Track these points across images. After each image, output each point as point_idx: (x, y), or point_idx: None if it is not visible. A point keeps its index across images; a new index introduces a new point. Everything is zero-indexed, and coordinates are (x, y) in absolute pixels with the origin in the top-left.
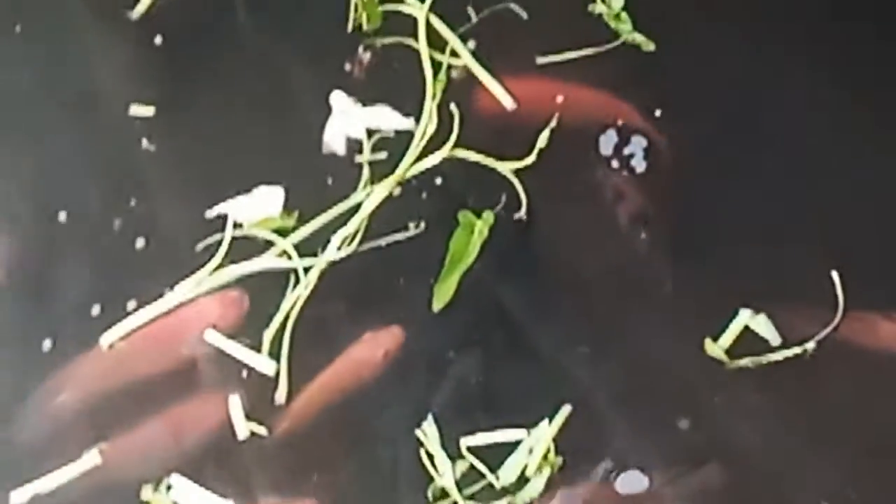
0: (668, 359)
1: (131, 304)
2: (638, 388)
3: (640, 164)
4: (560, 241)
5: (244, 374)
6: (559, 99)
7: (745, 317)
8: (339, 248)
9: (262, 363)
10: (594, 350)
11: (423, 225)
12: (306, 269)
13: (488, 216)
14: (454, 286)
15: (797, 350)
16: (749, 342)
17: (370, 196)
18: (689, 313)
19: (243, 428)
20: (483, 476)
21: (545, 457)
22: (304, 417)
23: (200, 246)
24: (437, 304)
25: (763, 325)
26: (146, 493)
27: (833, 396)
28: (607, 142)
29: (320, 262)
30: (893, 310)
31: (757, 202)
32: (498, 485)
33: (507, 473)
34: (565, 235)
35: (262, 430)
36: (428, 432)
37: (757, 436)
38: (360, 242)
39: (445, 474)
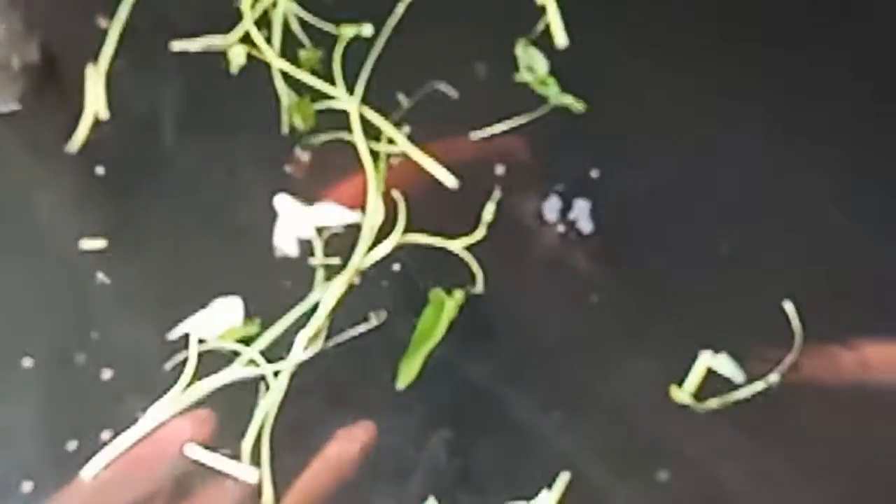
0: (638, 412)
1: (106, 434)
2: (614, 445)
3: (586, 226)
4: (518, 312)
5: (226, 485)
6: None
7: (706, 359)
8: (304, 349)
9: (245, 472)
10: (566, 415)
11: (384, 314)
12: (275, 374)
13: (458, 294)
14: (420, 364)
15: (762, 385)
16: (714, 384)
17: (327, 293)
18: (651, 364)
19: None
20: None
21: None
22: None
23: (168, 366)
24: (403, 382)
25: (725, 365)
26: None
27: (806, 430)
28: (551, 208)
29: (288, 366)
30: (851, 338)
31: (704, 245)
32: None
33: None
34: (522, 305)
35: None
36: None
37: (738, 477)
38: (325, 340)
39: None
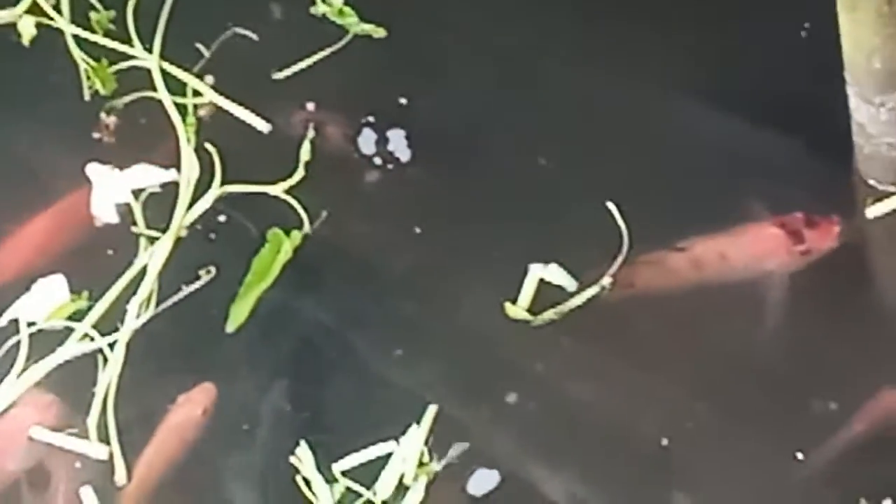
0: (480, 337)
1: None
2: (459, 375)
3: (403, 155)
4: (348, 251)
5: (77, 465)
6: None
7: (537, 271)
8: (137, 317)
9: (94, 449)
10: (408, 351)
11: (213, 270)
12: (111, 346)
13: (296, 235)
14: (251, 306)
15: (595, 289)
16: (551, 297)
17: (153, 257)
18: (486, 286)
19: None
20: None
21: (420, 463)
22: (145, 494)
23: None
24: (232, 325)
25: (556, 274)
26: None
27: (647, 337)
28: (366, 141)
29: (122, 336)
30: (680, 240)
31: (523, 161)
32: (377, 500)
33: (384, 488)
34: (351, 243)
35: None
36: (303, 458)
37: (585, 390)
38: (157, 304)
39: (323, 499)
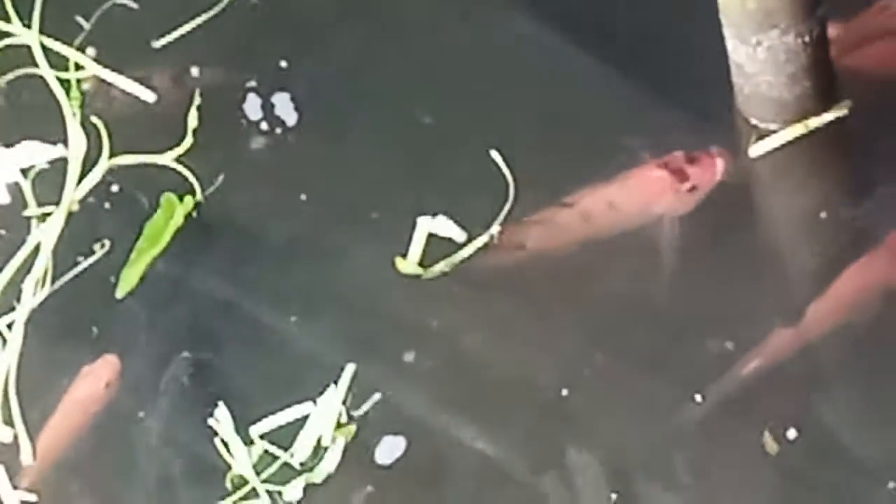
0: (375, 296)
1: None
2: (358, 335)
3: (289, 118)
4: (239, 218)
5: None
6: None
7: (425, 224)
8: (33, 295)
9: None
10: (304, 315)
11: (108, 243)
12: (9, 327)
13: (189, 200)
14: (141, 271)
15: (484, 239)
16: (443, 251)
17: (46, 233)
18: (376, 245)
19: (11, 499)
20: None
21: (338, 425)
22: (51, 465)
23: None
24: (122, 291)
25: (444, 226)
26: None
27: (539, 287)
28: (252, 106)
29: (20, 315)
30: (567, 194)
31: (405, 115)
32: (294, 462)
33: (302, 449)
34: (241, 210)
35: (31, 497)
36: (221, 419)
37: (482, 345)
38: (53, 281)
39: (241, 460)
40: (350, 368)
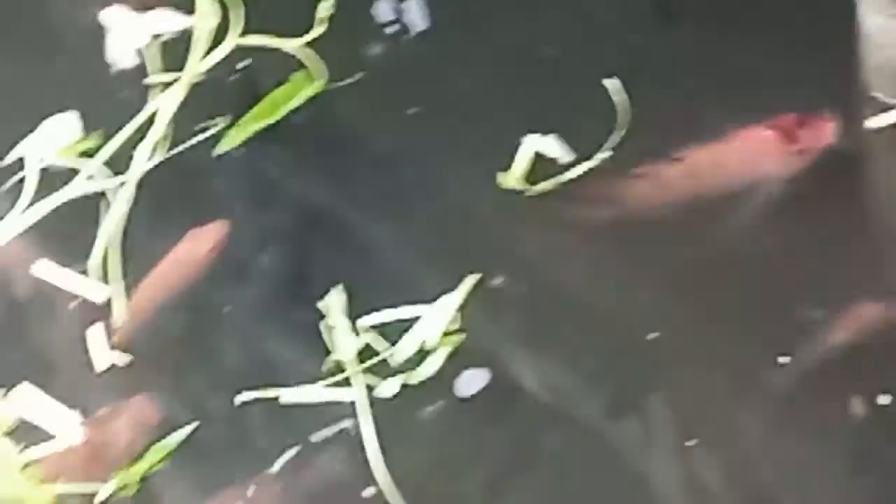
0: (472, 214)
1: None
2: (446, 253)
3: (418, 25)
4: (348, 117)
5: (72, 305)
6: None
7: (532, 141)
8: (147, 159)
9: (93, 289)
10: (400, 223)
11: (228, 117)
12: (119, 186)
13: (319, 84)
14: (249, 135)
15: (592, 162)
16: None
17: (166, 101)
18: (481, 162)
19: (104, 359)
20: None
21: (445, 333)
22: (141, 325)
23: (3, 188)
24: (221, 148)
25: (551, 146)
26: None
27: (639, 232)
28: (384, 8)
29: (131, 177)
30: (676, 150)
31: (528, 35)
32: (393, 361)
33: (404, 349)
34: (351, 110)
35: (122, 359)
36: (332, 304)
37: (575, 279)
38: (169, 148)
39: (343, 347)
40: (472, 278)
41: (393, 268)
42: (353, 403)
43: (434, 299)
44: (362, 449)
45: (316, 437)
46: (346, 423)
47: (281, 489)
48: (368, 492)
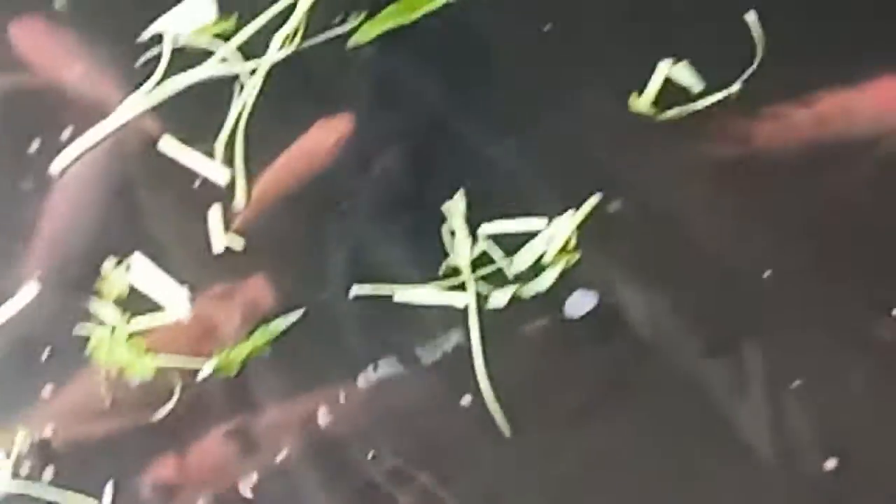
0: (596, 134)
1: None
2: (562, 174)
3: None
4: (492, 27)
5: (196, 185)
6: None
7: (665, 67)
8: (281, 48)
9: (216, 171)
10: (521, 139)
11: (363, 13)
12: (252, 72)
13: None
14: (380, 30)
15: (723, 94)
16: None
17: None
18: (610, 84)
19: (220, 240)
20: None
21: (564, 248)
22: (261, 211)
23: (140, 61)
24: (354, 41)
25: (684, 73)
26: (107, 265)
27: (761, 172)
28: None
29: (264, 63)
30: (804, 93)
31: None
32: (509, 272)
33: (521, 261)
34: (496, 21)
35: (238, 243)
36: (454, 208)
37: (694, 212)
38: (303, 38)
39: (461, 251)
40: (593, 199)
41: (513, 181)
42: (459, 312)
43: (552, 216)
44: (463, 358)
45: (418, 344)
46: (452, 331)
47: (376, 394)
48: (466, 400)
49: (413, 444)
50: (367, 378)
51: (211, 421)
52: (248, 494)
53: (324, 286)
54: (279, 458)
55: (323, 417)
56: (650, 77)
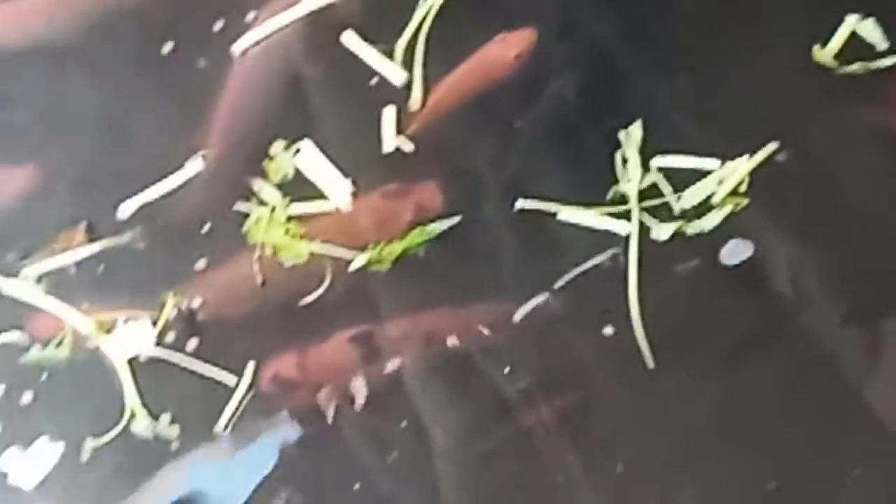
0: (773, 82)
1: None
2: (735, 123)
3: None
4: None
5: (373, 82)
6: None
7: (852, 21)
8: None
9: (394, 72)
10: (696, 77)
11: None
12: None
13: None
14: None
15: None
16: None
17: None
18: (794, 30)
19: (391, 140)
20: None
21: (734, 192)
22: (435, 118)
23: None
24: None
25: (870, 30)
26: (276, 147)
27: None
28: None
29: None
30: None
31: None
32: (676, 207)
33: (689, 198)
34: None
35: (408, 146)
36: (632, 135)
37: (860, 164)
38: None
39: (632, 179)
40: (770, 146)
41: (689, 120)
42: (613, 241)
43: (724, 159)
44: (611, 287)
45: (568, 269)
46: (605, 258)
47: (520, 319)
48: (608, 330)
49: (550, 366)
50: (514, 297)
51: (336, 324)
52: (361, 400)
53: (488, 199)
54: (398, 368)
55: (460, 335)
56: (834, 32)
